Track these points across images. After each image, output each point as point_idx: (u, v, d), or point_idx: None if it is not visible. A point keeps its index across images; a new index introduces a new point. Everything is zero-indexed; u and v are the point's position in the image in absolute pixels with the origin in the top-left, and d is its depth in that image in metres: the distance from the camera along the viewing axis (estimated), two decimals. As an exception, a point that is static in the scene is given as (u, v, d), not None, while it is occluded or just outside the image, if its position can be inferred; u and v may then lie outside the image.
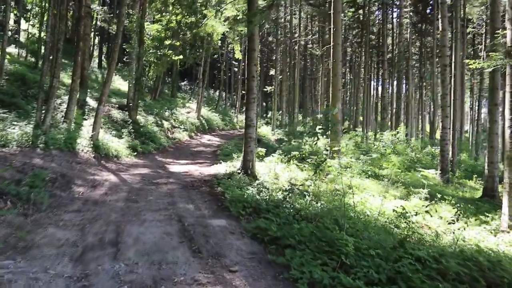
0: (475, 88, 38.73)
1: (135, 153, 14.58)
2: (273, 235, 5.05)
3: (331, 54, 13.24)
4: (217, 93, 46.77)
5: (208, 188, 9.20)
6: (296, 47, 33.75)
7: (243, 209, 6.50)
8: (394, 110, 31.07)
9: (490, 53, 8.09)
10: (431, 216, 7.69)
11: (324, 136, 21.79)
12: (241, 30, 14.11)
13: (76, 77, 13.25)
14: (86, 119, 14.64)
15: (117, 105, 19.40)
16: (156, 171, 11.81)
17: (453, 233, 6.75)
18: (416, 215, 6.56)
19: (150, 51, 24.53)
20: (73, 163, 10.08)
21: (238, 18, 12.62)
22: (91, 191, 7.94)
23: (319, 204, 7.04)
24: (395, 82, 35.56)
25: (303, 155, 14.91)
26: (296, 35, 34.15)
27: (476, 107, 41.14)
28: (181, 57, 29.62)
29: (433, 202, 9.27)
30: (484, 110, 43.47)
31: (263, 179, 10.37)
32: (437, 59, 26.50)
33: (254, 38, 10.94)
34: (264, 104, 52.95)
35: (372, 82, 45.10)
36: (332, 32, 13.02)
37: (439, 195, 9.09)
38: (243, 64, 43.80)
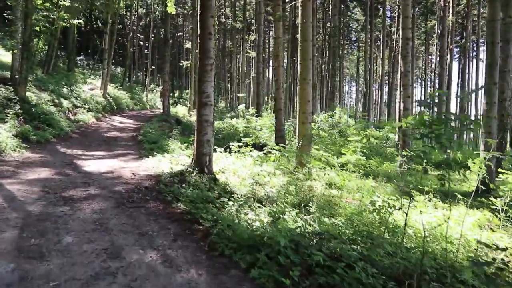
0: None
1: (27, 144, 10.31)
2: None
3: (299, 14, 10.31)
4: (118, 69, 40.97)
5: (160, 204, 5.80)
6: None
7: (276, 268, 3.29)
8: (328, 89, 29.02)
9: None
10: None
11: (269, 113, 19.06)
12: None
13: None
14: None
15: (-4, 78, 14.38)
16: (64, 172, 7.86)
17: None
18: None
19: (40, 13, 19.32)
20: None
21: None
22: None
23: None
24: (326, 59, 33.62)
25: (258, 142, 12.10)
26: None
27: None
28: (80, 21, 24.35)
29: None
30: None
31: (232, 183, 7.28)
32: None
33: (210, -21, 7.60)
34: (171, 82, 48.49)
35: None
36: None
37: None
38: (153, 37, 39.10)
